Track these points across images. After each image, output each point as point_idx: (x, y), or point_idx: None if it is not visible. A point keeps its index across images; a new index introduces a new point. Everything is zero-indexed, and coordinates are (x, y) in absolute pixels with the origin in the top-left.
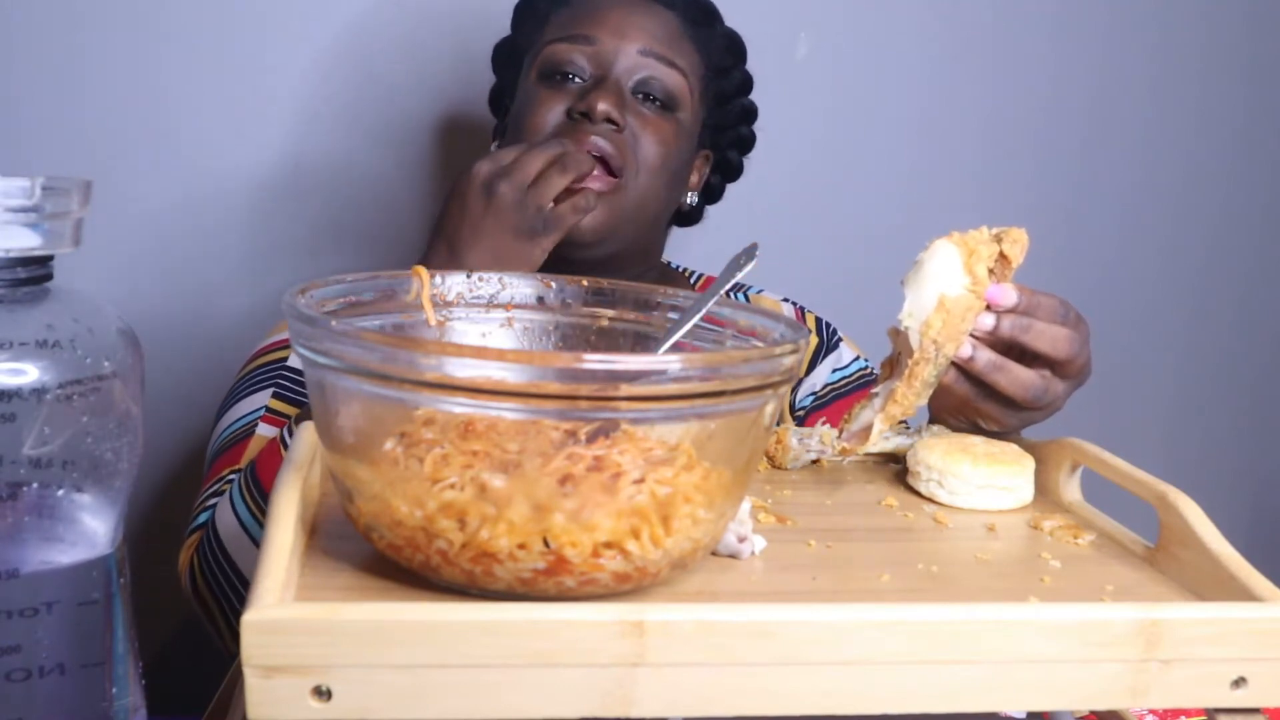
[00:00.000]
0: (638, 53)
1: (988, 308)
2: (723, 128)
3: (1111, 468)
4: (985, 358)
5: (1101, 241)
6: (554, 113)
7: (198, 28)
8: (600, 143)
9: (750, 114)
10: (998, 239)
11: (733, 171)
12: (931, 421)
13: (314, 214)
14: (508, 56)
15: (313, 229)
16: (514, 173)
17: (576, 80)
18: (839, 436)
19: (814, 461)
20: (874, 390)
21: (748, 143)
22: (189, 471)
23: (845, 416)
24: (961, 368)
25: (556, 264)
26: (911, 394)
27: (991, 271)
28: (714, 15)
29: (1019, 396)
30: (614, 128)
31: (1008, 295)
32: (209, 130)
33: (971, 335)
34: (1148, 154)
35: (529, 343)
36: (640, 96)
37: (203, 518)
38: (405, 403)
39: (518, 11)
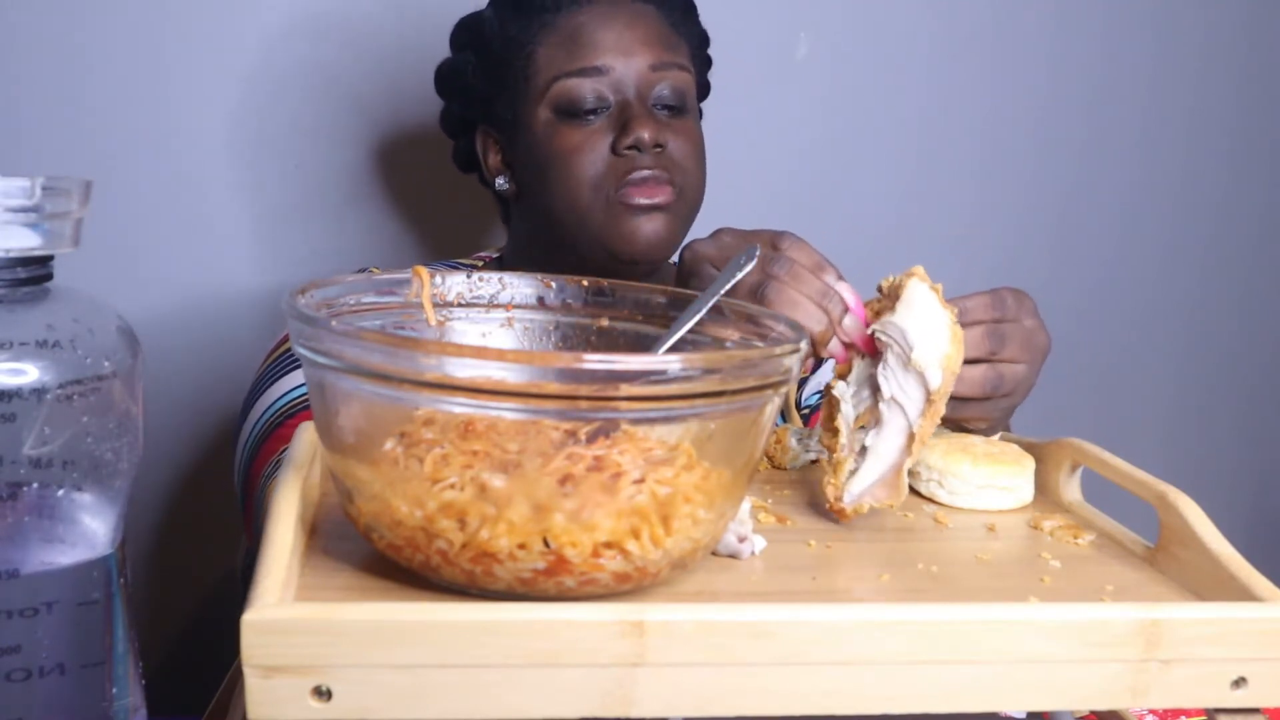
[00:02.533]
0: (650, 69)
1: None
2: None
3: (1111, 468)
4: None
5: (1101, 241)
6: (596, 152)
7: (198, 28)
8: (658, 173)
9: (710, 63)
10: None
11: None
12: None
13: (315, 214)
14: (468, 80)
15: (313, 229)
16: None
17: (600, 112)
18: (838, 499)
19: (814, 461)
20: (851, 447)
21: (708, 89)
22: (189, 471)
23: (832, 485)
24: None
25: (612, 272)
26: (932, 426)
27: None
28: None
29: (978, 394)
30: (660, 150)
31: None
32: (208, 130)
33: None
34: (1147, 154)
35: (529, 343)
36: (658, 106)
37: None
38: (405, 403)
39: (481, 39)
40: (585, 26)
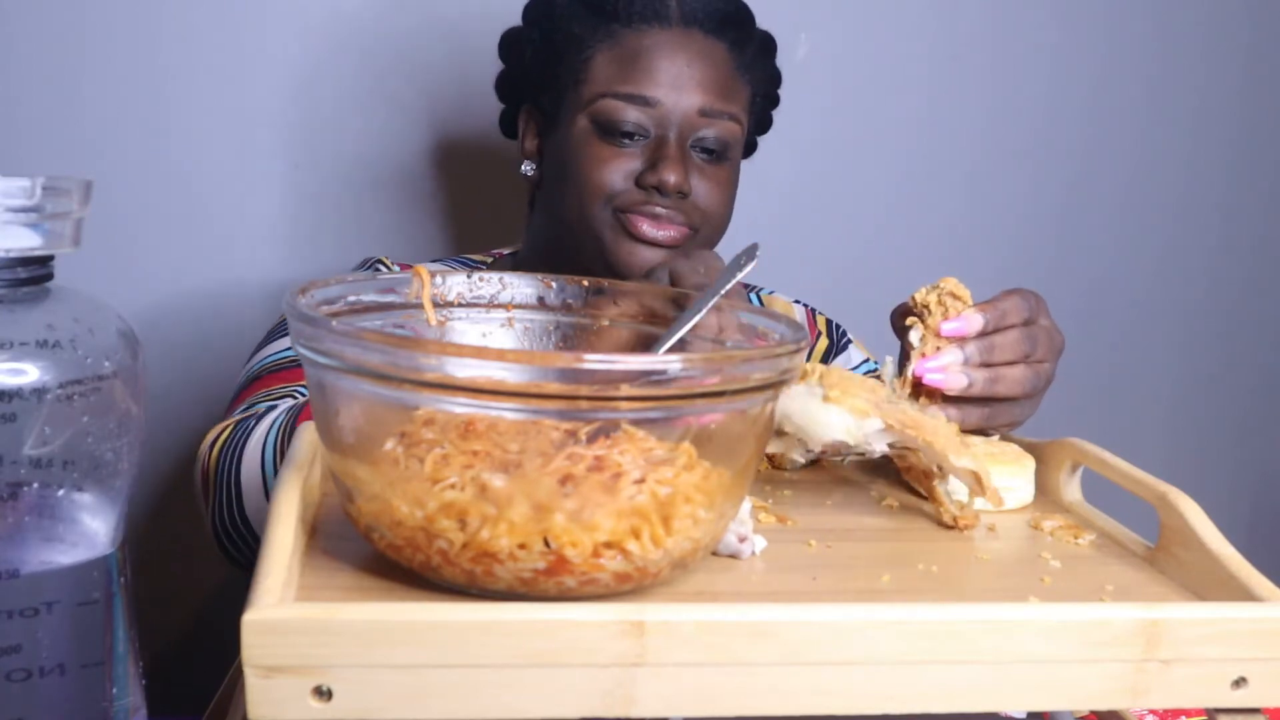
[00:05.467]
0: (698, 113)
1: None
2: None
3: (1111, 468)
4: (981, 377)
5: (1101, 241)
6: (620, 173)
7: (198, 27)
8: (674, 215)
9: (776, 100)
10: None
11: (750, 150)
12: None
13: (314, 214)
14: (527, 58)
15: (314, 228)
16: None
17: (637, 138)
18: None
19: (814, 461)
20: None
21: (767, 124)
22: (189, 471)
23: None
24: (963, 398)
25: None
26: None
27: (945, 314)
28: (753, 25)
29: (1021, 393)
30: (683, 196)
31: (972, 322)
32: (209, 130)
33: (954, 401)
34: (1147, 153)
35: (529, 343)
36: (697, 149)
37: (246, 412)
38: (405, 403)
39: (549, 23)
40: (647, 51)
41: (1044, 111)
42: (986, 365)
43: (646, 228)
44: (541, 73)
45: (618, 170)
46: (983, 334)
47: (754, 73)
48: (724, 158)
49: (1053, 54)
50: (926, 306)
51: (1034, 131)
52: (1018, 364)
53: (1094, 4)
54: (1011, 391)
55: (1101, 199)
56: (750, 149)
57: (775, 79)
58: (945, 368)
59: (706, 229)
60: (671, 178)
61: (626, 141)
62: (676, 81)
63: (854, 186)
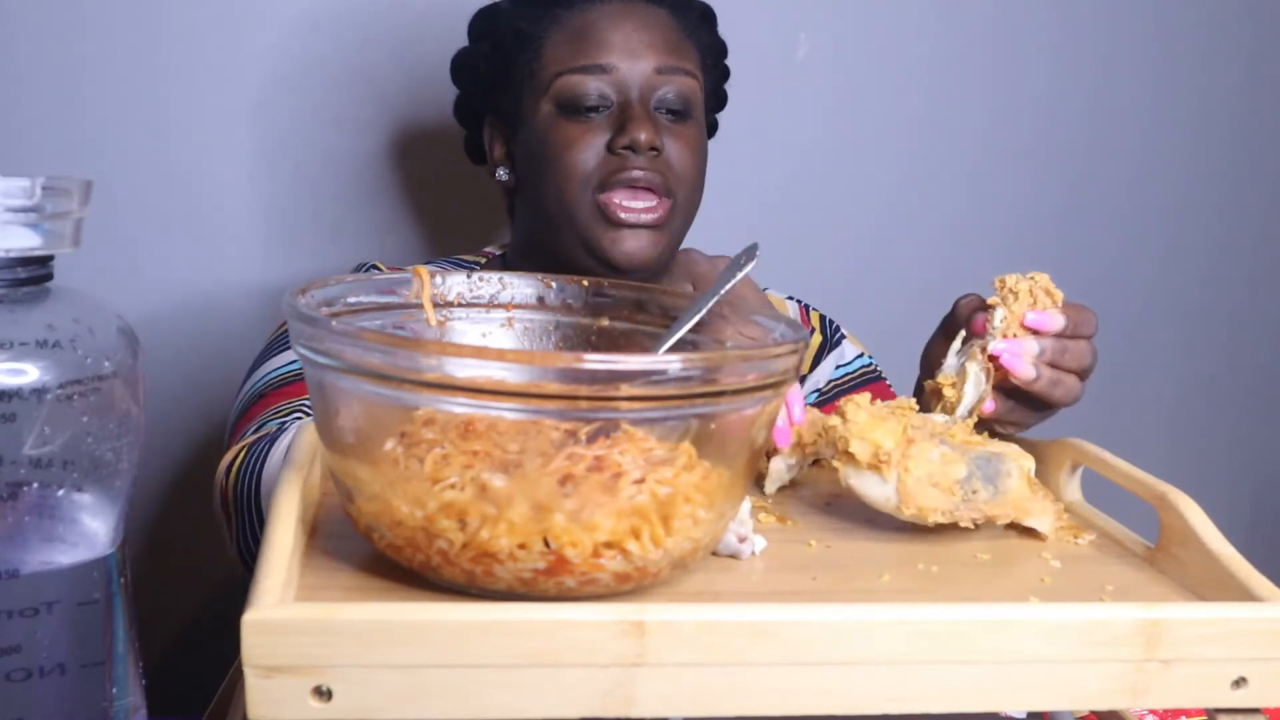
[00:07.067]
0: (655, 72)
1: (1035, 334)
2: (707, 94)
3: (1111, 468)
4: (1048, 376)
5: (1102, 241)
6: (592, 148)
7: (197, 27)
8: (650, 176)
9: (727, 74)
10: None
11: (711, 130)
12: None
13: (314, 214)
14: (481, 71)
15: (313, 229)
16: None
17: (601, 110)
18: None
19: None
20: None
21: (724, 100)
22: (189, 471)
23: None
24: (1012, 390)
25: (602, 275)
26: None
27: (1034, 305)
28: None
29: (1067, 403)
30: (656, 153)
31: (1055, 320)
32: (208, 130)
33: (999, 389)
34: (1148, 153)
35: (529, 343)
36: (661, 110)
37: (258, 432)
38: (405, 403)
39: (495, 30)
40: (594, 24)
41: (1045, 111)
42: (1054, 366)
43: (625, 214)
44: (497, 78)
45: (588, 145)
46: (1061, 335)
47: (699, 37)
48: (688, 116)
49: (1054, 54)
50: (1015, 293)
51: (1034, 131)
52: (1074, 374)
53: (1095, 4)
54: (1064, 399)
55: (1102, 199)
56: (712, 129)
57: (721, 48)
58: (1020, 354)
59: (682, 193)
60: (642, 135)
61: (592, 115)
62: (628, 45)
63: (854, 186)
